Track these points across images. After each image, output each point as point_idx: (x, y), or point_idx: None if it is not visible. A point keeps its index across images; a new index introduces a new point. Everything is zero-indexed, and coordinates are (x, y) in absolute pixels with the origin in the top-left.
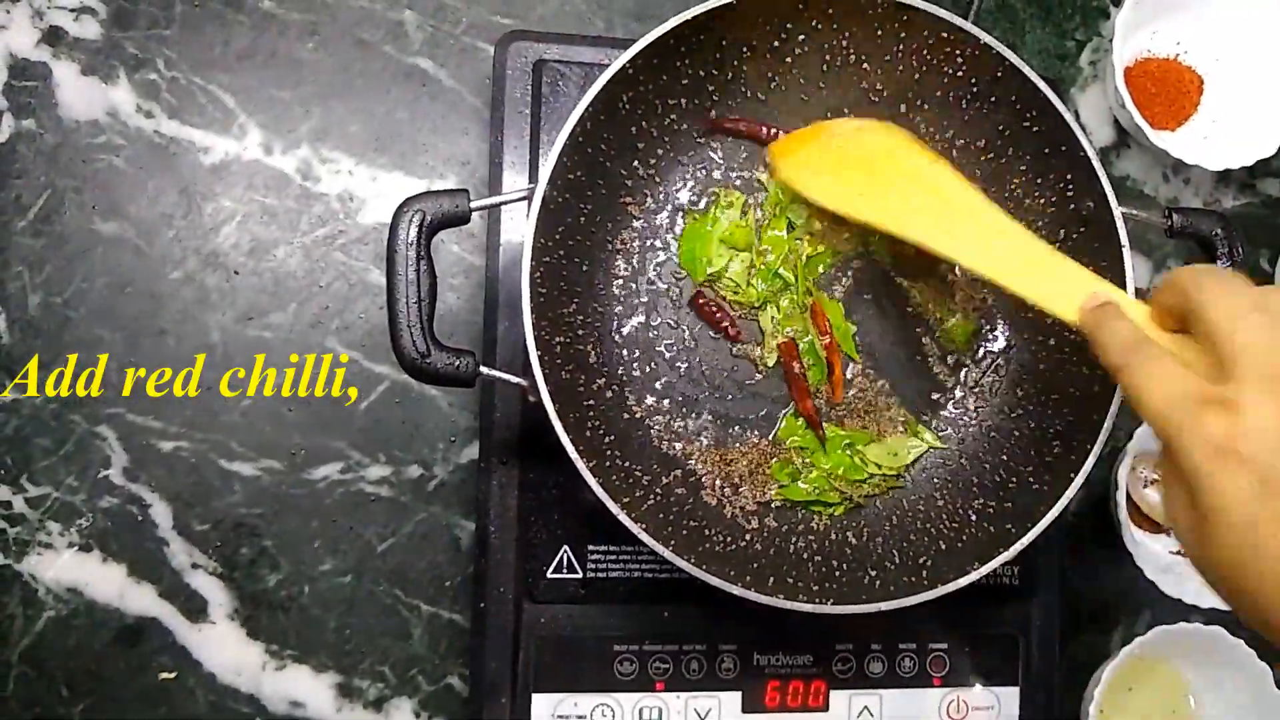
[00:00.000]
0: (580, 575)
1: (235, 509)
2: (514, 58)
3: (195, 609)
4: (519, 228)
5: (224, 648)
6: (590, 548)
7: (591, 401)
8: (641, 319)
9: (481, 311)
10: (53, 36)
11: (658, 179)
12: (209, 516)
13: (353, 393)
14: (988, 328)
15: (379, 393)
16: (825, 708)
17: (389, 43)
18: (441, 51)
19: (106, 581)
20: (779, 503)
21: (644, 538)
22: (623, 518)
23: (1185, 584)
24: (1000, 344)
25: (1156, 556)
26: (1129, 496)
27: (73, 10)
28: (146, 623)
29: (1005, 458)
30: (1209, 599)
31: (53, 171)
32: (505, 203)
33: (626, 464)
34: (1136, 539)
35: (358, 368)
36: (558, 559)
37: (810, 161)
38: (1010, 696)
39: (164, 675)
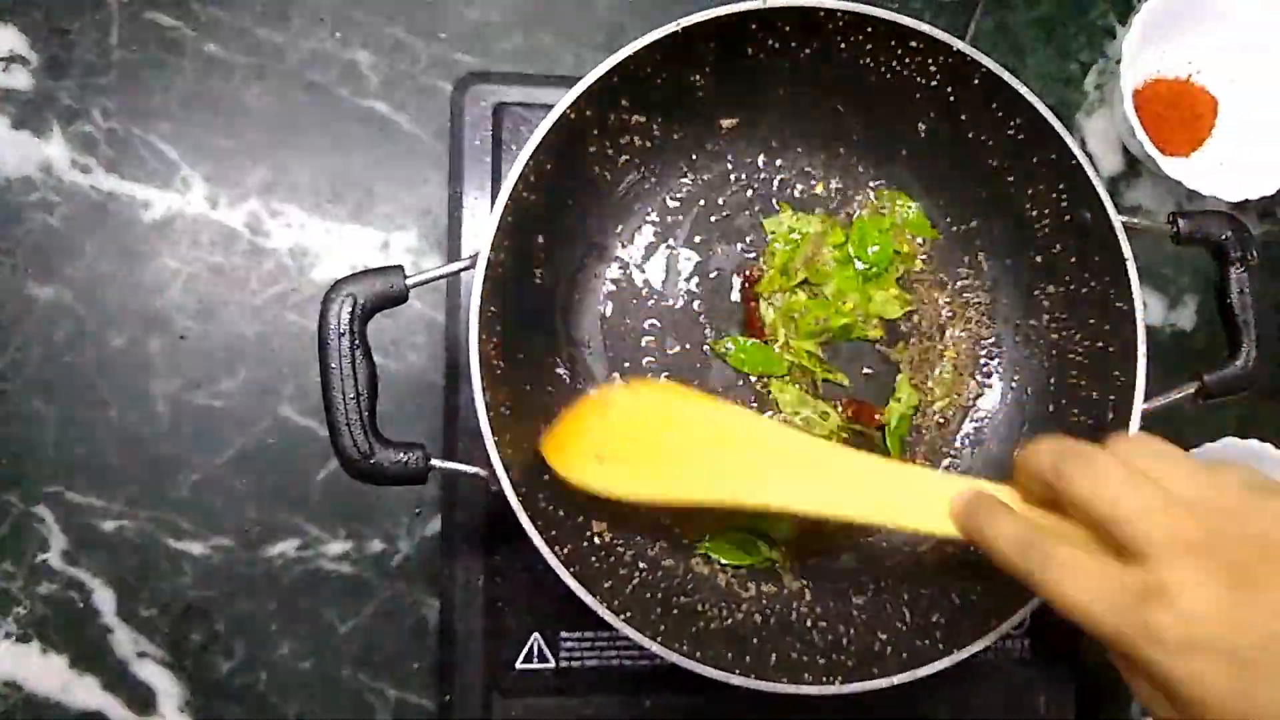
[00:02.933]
0: (553, 665)
1: (184, 592)
2: (472, 102)
3: (143, 701)
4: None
5: None
6: (564, 635)
7: (564, 479)
8: (616, 382)
9: (444, 371)
10: None
11: (620, 228)
12: (156, 600)
13: (309, 464)
14: (982, 378)
15: (337, 463)
16: None
17: (342, 85)
18: (399, 93)
19: (47, 674)
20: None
21: (630, 633)
22: (604, 613)
23: None
24: (995, 396)
25: None
26: None
27: (1, 59)
28: (91, 718)
29: None
30: None
31: None
32: (446, 275)
33: (609, 541)
34: None
35: (314, 436)
36: (528, 648)
37: (590, 450)
38: None
39: None
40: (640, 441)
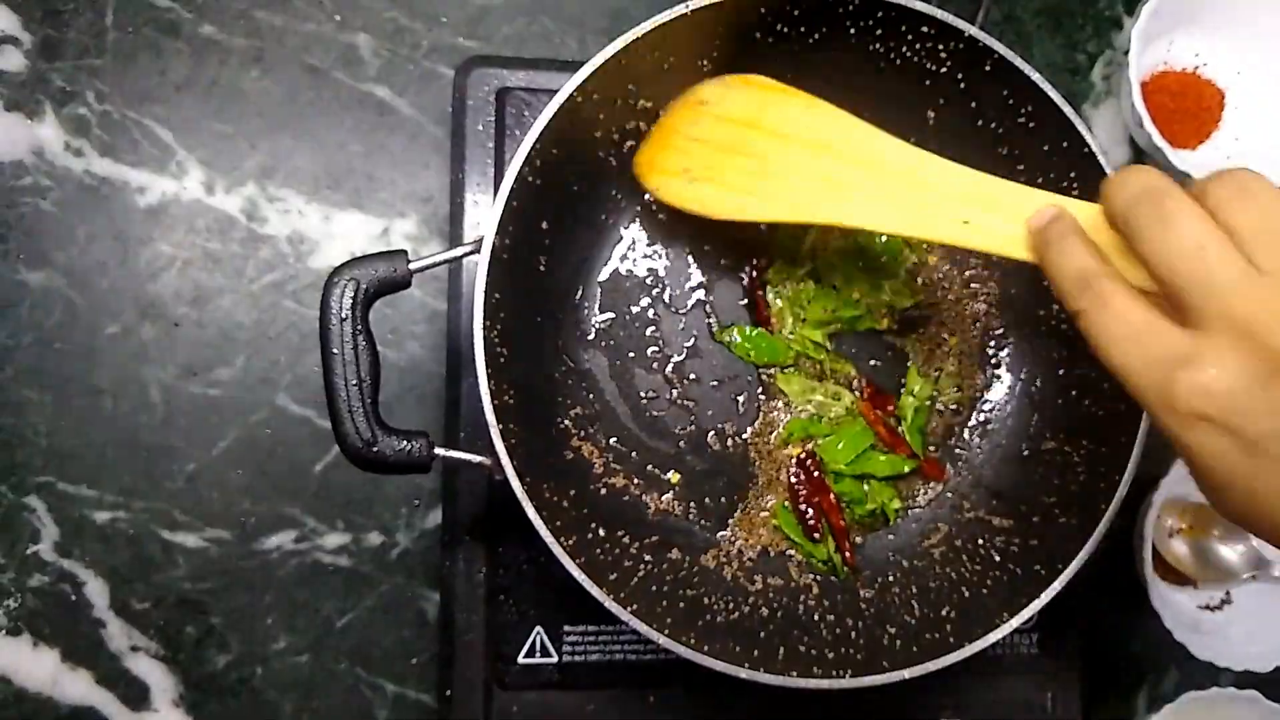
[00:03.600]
0: (556, 659)
1: (179, 584)
2: (475, 86)
3: (136, 696)
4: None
5: None
6: (566, 628)
7: (568, 470)
8: (622, 372)
9: (445, 360)
10: None
11: (625, 214)
12: (150, 594)
13: (306, 454)
14: (991, 370)
15: (335, 453)
16: None
17: (341, 69)
18: (400, 78)
19: (38, 668)
20: (778, 551)
21: (638, 626)
22: (611, 605)
23: (1217, 645)
24: (1004, 387)
25: (1185, 614)
26: (1154, 550)
27: None
28: (83, 712)
29: (1025, 490)
30: (1243, 661)
31: None
32: (450, 261)
33: (614, 533)
34: (1164, 596)
35: (311, 426)
36: (530, 642)
37: (680, 166)
38: None
39: None
40: (728, 151)
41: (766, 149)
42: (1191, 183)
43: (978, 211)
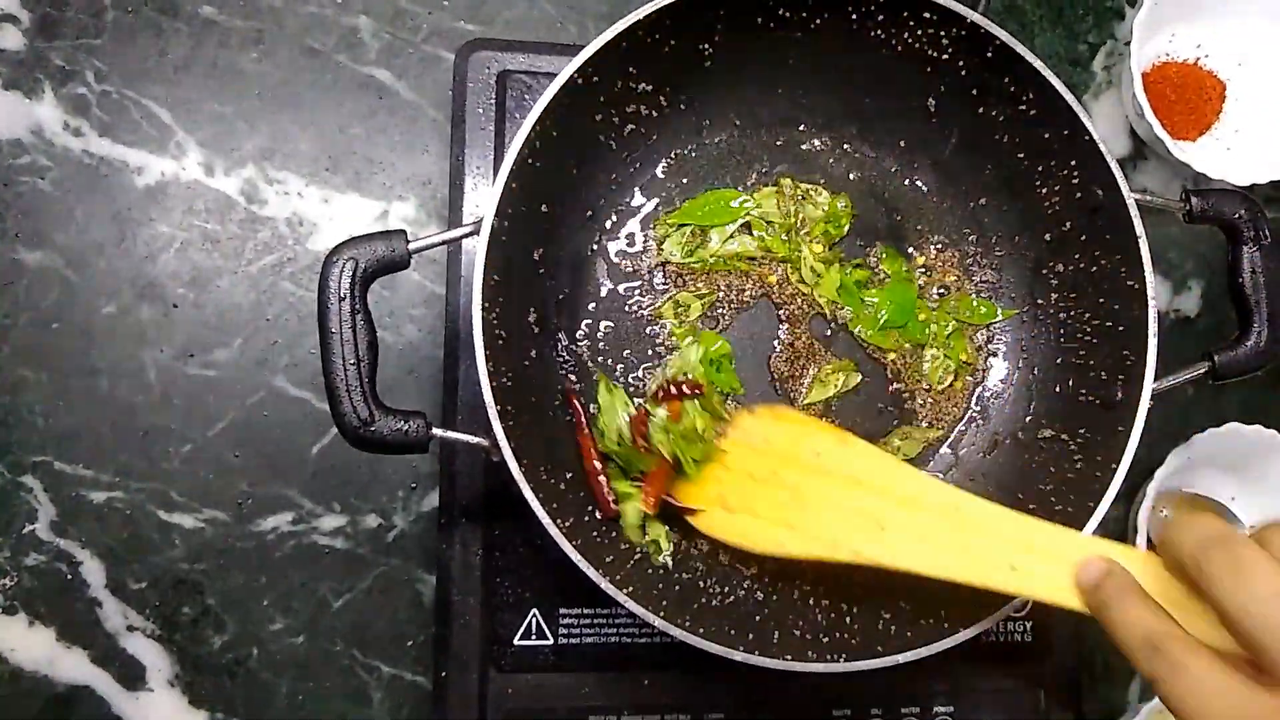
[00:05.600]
0: (551, 641)
1: (175, 565)
2: (475, 69)
3: (132, 675)
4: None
5: (164, 717)
6: (562, 611)
7: (564, 450)
8: (617, 354)
9: (443, 343)
10: None
11: (624, 199)
12: (146, 573)
13: (303, 436)
14: (988, 357)
15: (332, 436)
16: None
17: (342, 51)
18: (400, 61)
19: (34, 647)
20: None
21: (634, 608)
22: (607, 586)
23: None
24: (1001, 374)
25: None
26: (1149, 540)
27: None
28: (78, 691)
29: (1021, 478)
30: None
31: None
32: (449, 241)
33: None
34: None
35: (309, 408)
36: (526, 623)
37: (715, 493)
38: None
39: None
40: (761, 482)
41: (799, 482)
42: (1203, 180)
43: (1023, 556)
